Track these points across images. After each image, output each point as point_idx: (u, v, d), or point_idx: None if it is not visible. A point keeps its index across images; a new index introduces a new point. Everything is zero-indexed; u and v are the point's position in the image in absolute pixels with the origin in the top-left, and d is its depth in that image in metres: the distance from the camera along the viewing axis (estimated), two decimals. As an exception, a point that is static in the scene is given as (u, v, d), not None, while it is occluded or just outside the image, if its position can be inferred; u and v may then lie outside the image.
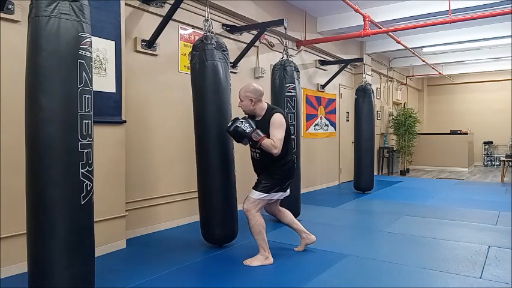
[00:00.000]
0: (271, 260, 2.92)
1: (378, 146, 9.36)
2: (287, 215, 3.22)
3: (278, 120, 2.85)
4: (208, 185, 3.20)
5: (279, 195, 3.01)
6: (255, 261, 2.91)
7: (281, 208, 3.24)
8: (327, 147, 7.30)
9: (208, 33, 3.16)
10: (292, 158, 3.05)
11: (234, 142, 3.17)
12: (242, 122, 2.82)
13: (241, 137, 2.84)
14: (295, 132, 4.17)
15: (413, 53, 8.04)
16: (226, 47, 3.24)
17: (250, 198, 2.92)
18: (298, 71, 4.29)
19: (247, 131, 2.78)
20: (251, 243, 3.40)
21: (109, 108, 3.18)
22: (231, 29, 4.82)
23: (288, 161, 2.98)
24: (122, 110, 3.29)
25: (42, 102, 1.92)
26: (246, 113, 3.05)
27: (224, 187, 3.21)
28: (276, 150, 2.79)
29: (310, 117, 6.74)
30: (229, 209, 3.24)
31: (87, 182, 2.04)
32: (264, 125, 2.87)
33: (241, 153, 5.01)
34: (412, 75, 11.59)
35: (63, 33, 1.93)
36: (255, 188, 2.95)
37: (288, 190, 3.13)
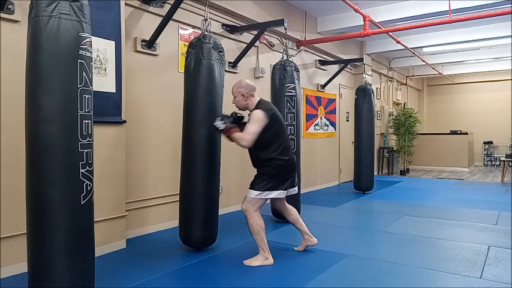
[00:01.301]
0: (271, 260, 2.92)
1: (378, 146, 9.36)
2: (292, 213, 3.21)
3: (255, 115, 2.86)
4: (191, 186, 3.10)
5: (277, 194, 2.93)
6: (254, 262, 2.91)
7: (288, 206, 3.22)
8: (327, 147, 7.30)
9: (206, 33, 3.14)
10: (286, 156, 2.94)
11: (224, 144, 3.20)
12: (218, 119, 2.94)
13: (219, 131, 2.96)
14: (295, 132, 4.17)
15: (413, 53, 8.04)
16: (223, 48, 3.20)
17: (247, 198, 2.93)
18: (298, 71, 4.29)
19: (221, 128, 2.90)
20: (247, 244, 3.40)
21: (109, 108, 3.18)
22: (231, 29, 4.82)
23: (276, 159, 2.90)
24: (121, 110, 3.29)
25: (42, 102, 1.92)
26: (239, 109, 3.07)
27: (207, 189, 3.11)
28: (244, 142, 2.82)
29: (310, 117, 6.74)
30: (210, 212, 3.14)
31: (87, 182, 2.04)
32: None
33: (241, 155, 5.02)
34: (412, 75, 11.59)
35: (63, 33, 1.93)
36: (251, 187, 2.95)
37: (293, 189, 3.07)
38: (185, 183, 3.16)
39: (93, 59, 2.80)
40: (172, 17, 3.71)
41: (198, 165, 3.08)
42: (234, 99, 3.03)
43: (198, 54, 3.06)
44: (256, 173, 3.01)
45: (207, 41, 3.08)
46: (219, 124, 2.90)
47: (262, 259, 2.91)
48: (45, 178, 1.94)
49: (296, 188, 3.13)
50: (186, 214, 3.15)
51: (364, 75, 6.73)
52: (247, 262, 2.92)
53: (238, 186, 4.95)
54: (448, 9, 5.25)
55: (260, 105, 2.95)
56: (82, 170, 2.01)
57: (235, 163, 4.88)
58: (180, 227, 3.19)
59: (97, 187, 2.49)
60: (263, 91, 5.28)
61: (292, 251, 3.24)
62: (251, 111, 2.95)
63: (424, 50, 8.55)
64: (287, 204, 3.23)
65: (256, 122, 2.83)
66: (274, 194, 2.93)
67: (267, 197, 2.93)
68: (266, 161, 2.92)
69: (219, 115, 3.00)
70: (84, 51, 2.01)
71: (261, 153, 2.92)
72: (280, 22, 4.38)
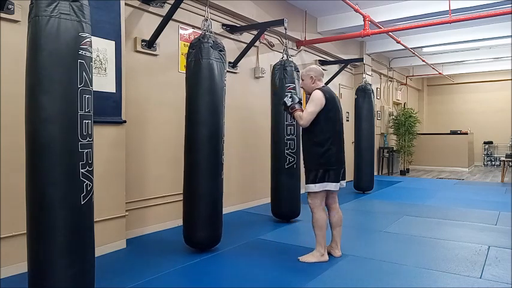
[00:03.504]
0: (326, 257, 2.97)
1: (378, 146, 9.36)
2: (337, 217, 3.14)
3: (314, 95, 2.94)
4: (194, 187, 3.10)
5: (334, 186, 2.92)
6: (310, 258, 2.96)
7: (336, 207, 3.14)
8: (327, 147, 7.28)
9: (206, 32, 3.14)
10: (331, 145, 2.97)
11: (225, 144, 3.22)
12: (287, 95, 3.16)
13: (285, 108, 3.11)
14: (295, 132, 4.16)
15: (413, 53, 8.04)
16: (223, 47, 3.19)
17: (308, 194, 2.98)
18: (298, 71, 4.28)
19: (288, 104, 3.05)
20: (248, 244, 3.40)
21: (109, 108, 3.18)
22: (231, 29, 4.82)
23: (321, 145, 2.93)
24: (121, 110, 3.29)
25: (42, 102, 1.92)
26: (307, 92, 3.13)
27: (210, 190, 3.10)
28: (302, 121, 2.92)
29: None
30: (213, 213, 3.13)
31: (87, 182, 2.04)
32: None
33: (241, 155, 5.02)
34: (412, 75, 11.59)
35: (63, 33, 1.93)
36: (306, 181, 2.98)
37: (343, 182, 3.06)
38: (188, 183, 3.15)
39: (93, 59, 2.80)
40: (172, 17, 3.71)
41: (200, 166, 3.08)
42: (302, 82, 3.13)
43: (197, 54, 3.06)
44: (304, 166, 3.05)
45: (206, 40, 3.07)
46: (288, 100, 3.05)
47: (319, 255, 2.95)
48: (45, 178, 1.93)
49: (344, 182, 3.10)
50: (189, 215, 3.14)
51: (364, 75, 6.73)
52: (302, 258, 2.97)
53: (238, 186, 4.95)
54: (448, 9, 5.26)
55: (322, 87, 3.01)
56: (82, 170, 2.01)
57: (235, 164, 4.88)
58: (184, 228, 3.19)
59: (97, 187, 2.49)
60: (263, 91, 5.29)
61: (292, 251, 3.23)
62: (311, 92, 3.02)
63: (424, 50, 8.55)
64: (337, 204, 3.16)
65: (314, 102, 2.91)
66: (331, 186, 2.93)
67: (324, 189, 2.92)
68: (312, 146, 2.96)
69: (288, 94, 3.10)
70: (84, 51, 2.01)
71: (310, 136, 2.98)
72: (280, 22, 4.38)
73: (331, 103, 2.95)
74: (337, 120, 3.03)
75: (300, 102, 3.06)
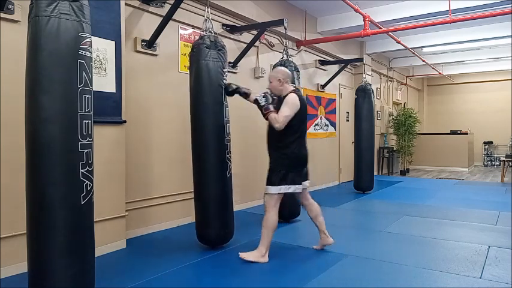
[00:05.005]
0: (266, 258, 2.95)
1: (378, 146, 9.36)
2: (313, 210, 3.21)
3: (290, 99, 2.94)
4: (204, 186, 3.18)
5: (294, 188, 2.96)
6: (250, 256, 2.95)
7: (311, 201, 3.22)
8: (327, 147, 7.30)
9: (205, 33, 3.17)
10: (301, 146, 3.00)
11: (230, 142, 3.24)
12: (261, 95, 3.02)
13: (258, 105, 3.01)
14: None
15: (413, 53, 8.04)
16: (222, 46, 3.21)
17: (265, 194, 2.99)
18: (298, 71, 4.29)
19: (262, 104, 2.97)
20: (248, 244, 3.40)
21: (109, 108, 3.18)
22: (231, 29, 4.82)
23: (292, 146, 2.95)
24: (121, 110, 3.29)
25: (42, 102, 1.92)
26: (274, 94, 3.11)
27: (219, 188, 3.17)
28: (278, 124, 2.88)
29: (310, 117, 6.73)
30: (224, 211, 3.20)
31: (87, 182, 2.04)
32: (280, 104, 2.99)
33: (241, 155, 5.02)
34: (412, 75, 11.59)
35: (63, 33, 1.93)
36: (267, 183, 2.99)
37: (306, 182, 3.11)
38: (197, 184, 3.23)
39: (93, 59, 2.80)
40: (172, 17, 3.71)
41: (204, 164, 3.16)
42: (270, 84, 3.09)
43: (196, 56, 3.14)
44: (269, 166, 3.04)
45: (203, 41, 3.13)
46: (261, 99, 2.98)
47: (259, 255, 2.94)
48: (45, 178, 1.93)
49: (307, 182, 3.14)
50: (201, 213, 3.21)
51: (364, 75, 6.73)
52: (242, 255, 2.97)
53: (238, 186, 4.94)
54: (448, 9, 5.25)
55: (295, 91, 3.04)
56: (82, 170, 2.01)
57: (235, 163, 4.86)
58: (196, 226, 3.27)
59: (97, 187, 2.49)
60: (263, 91, 5.28)
61: (292, 251, 3.24)
62: (285, 96, 3.00)
63: (424, 50, 8.55)
64: (311, 199, 3.23)
65: (290, 105, 2.92)
66: (292, 189, 2.96)
67: (284, 192, 2.95)
68: (282, 148, 2.96)
69: (262, 92, 3.06)
70: (84, 51, 2.01)
71: (278, 137, 2.97)
72: (280, 22, 4.38)
73: (303, 106, 3.00)
74: (304, 124, 3.07)
75: (273, 103, 3.00)
